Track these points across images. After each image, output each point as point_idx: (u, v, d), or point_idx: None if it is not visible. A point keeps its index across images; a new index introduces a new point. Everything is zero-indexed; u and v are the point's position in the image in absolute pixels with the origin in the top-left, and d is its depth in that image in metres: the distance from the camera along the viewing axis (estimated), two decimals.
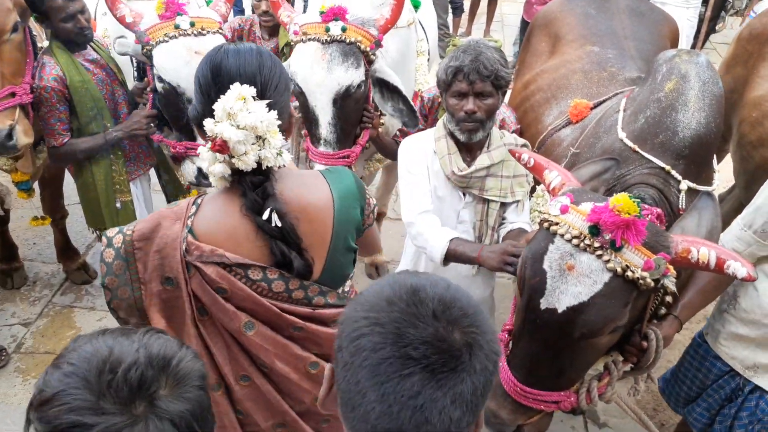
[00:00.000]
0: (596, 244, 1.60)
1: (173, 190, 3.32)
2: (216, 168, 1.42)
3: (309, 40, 2.49)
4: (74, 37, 2.68)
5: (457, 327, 0.91)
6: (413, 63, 3.14)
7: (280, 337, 1.57)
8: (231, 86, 1.38)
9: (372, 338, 0.89)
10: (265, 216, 1.44)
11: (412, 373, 0.86)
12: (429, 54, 3.35)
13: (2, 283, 3.68)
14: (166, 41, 2.52)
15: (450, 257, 2.24)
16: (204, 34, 2.57)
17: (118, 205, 2.91)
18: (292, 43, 2.59)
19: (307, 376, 1.64)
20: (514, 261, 2.02)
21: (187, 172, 2.75)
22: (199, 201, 1.54)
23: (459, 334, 0.90)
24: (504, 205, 2.41)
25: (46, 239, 3.97)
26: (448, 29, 7.33)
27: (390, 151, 2.96)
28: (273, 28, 3.10)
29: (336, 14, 2.47)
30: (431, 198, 2.36)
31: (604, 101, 2.62)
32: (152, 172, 3.29)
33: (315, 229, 1.52)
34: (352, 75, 2.49)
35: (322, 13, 2.49)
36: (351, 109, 2.60)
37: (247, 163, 1.39)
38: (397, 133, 2.95)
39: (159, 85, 2.62)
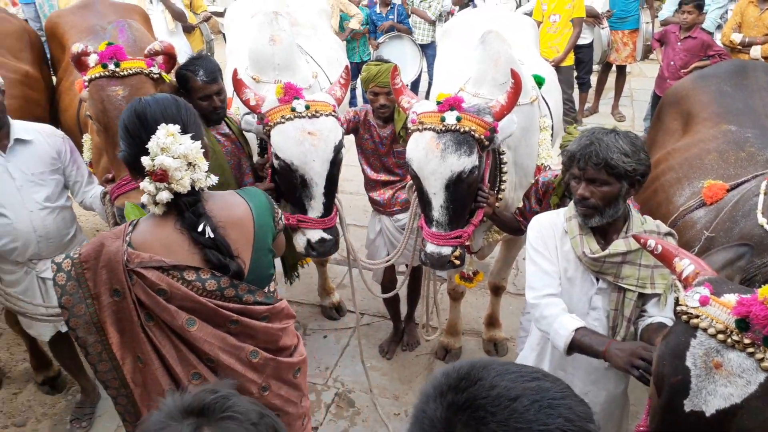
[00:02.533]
0: (746, 341, 1.45)
1: (291, 257, 3.49)
2: (162, 195, 1.68)
3: (425, 129, 2.59)
4: (209, 114, 2.95)
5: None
6: (536, 138, 3.15)
7: (219, 331, 1.76)
8: (158, 127, 1.67)
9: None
10: (199, 229, 1.70)
11: None
12: (553, 129, 3.34)
13: None
14: (283, 122, 2.74)
15: (575, 347, 2.13)
16: (318, 116, 2.76)
17: None
18: (409, 130, 2.70)
19: (250, 365, 1.82)
20: (642, 365, 1.88)
21: (298, 242, 2.92)
22: (135, 223, 1.79)
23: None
24: (643, 296, 2.23)
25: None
26: (573, 104, 7.31)
27: (509, 227, 2.95)
28: (388, 117, 3.33)
29: (451, 104, 2.55)
30: (559, 280, 2.28)
31: (741, 183, 2.48)
32: None
33: (240, 236, 1.79)
34: (464, 162, 2.54)
35: (438, 102, 2.59)
36: (463, 193, 2.64)
37: (184, 186, 1.68)
38: (516, 210, 2.97)
39: (275, 162, 2.83)
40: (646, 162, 2.15)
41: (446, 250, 2.68)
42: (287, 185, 2.87)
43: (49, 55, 4.37)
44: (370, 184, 3.55)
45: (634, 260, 2.18)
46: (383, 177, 3.48)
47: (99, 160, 3.21)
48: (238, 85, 2.88)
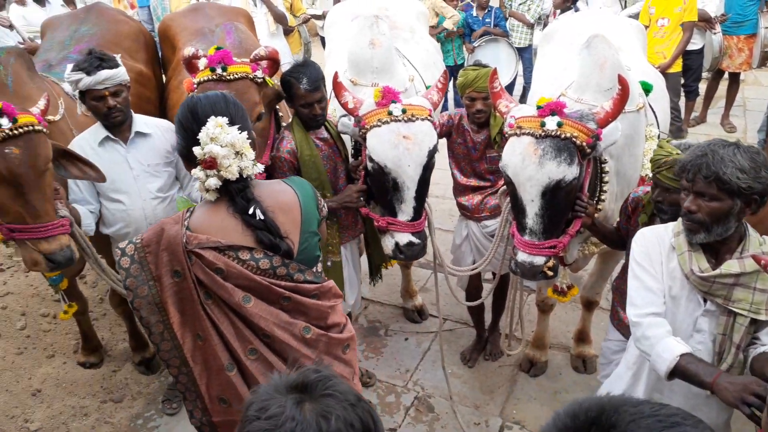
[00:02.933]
0: None
1: (378, 257, 3.53)
2: (211, 181, 1.80)
3: (523, 134, 2.51)
4: (309, 120, 3.00)
5: None
6: (641, 148, 3.00)
7: (273, 308, 1.85)
8: (208, 120, 1.79)
9: None
10: (250, 212, 1.82)
11: None
12: (659, 139, 3.20)
13: None
14: (379, 125, 2.74)
15: (677, 373, 2.00)
16: (414, 120, 2.75)
17: (329, 263, 3.15)
18: (506, 135, 2.62)
19: (303, 341, 1.89)
20: (754, 402, 1.74)
21: (386, 244, 2.91)
22: (191, 210, 1.91)
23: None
24: (756, 323, 2.06)
25: None
26: (679, 113, 6.92)
27: (609, 239, 2.82)
28: (483, 122, 3.25)
29: (553, 109, 2.46)
30: (663, 298, 2.14)
31: None
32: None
33: (288, 220, 1.90)
34: (563, 170, 2.44)
35: (539, 107, 2.49)
36: (560, 201, 2.54)
37: (232, 173, 1.80)
38: (616, 223, 2.84)
39: (369, 165, 2.83)
40: (766, 181, 1.96)
41: (539, 260, 2.58)
42: (379, 188, 2.87)
43: (160, 55, 4.64)
44: (459, 189, 3.50)
45: (749, 283, 2.02)
46: (473, 182, 3.41)
47: None
48: (338, 88, 2.91)
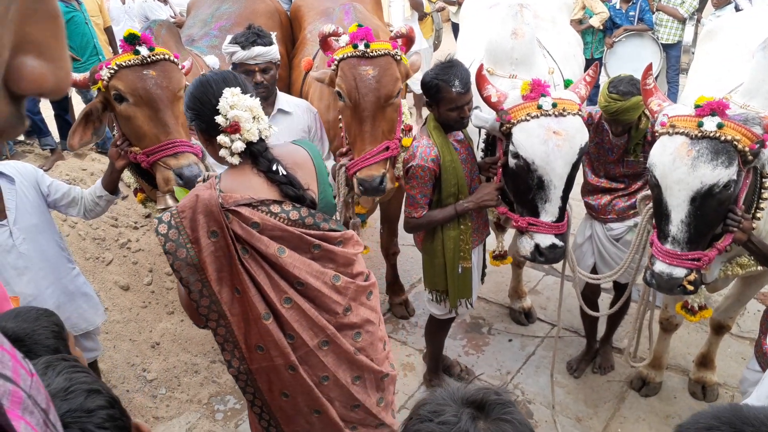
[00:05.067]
0: None
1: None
2: (237, 144, 1.92)
3: (676, 133, 2.31)
4: (454, 123, 2.87)
5: None
6: None
7: (304, 257, 1.97)
8: (223, 92, 1.90)
9: None
10: (273, 169, 1.95)
11: None
12: None
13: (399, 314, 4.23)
14: (528, 120, 2.57)
15: None
16: (564, 115, 2.57)
17: (459, 269, 3.01)
18: (656, 135, 2.43)
19: (334, 288, 2.02)
20: None
21: (523, 246, 2.75)
22: (219, 175, 2.03)
23: None
24: None
25: (380, 271, 4.47)
26: None
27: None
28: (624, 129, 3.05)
29: (714, 109, 2.24)
30: None
31: None
32: None
33: (305, 174, 2.04)
34: (719, 174, 2.23)
35: (697, 106, 2.28)
36: (711, 210, 2.31)
37: (253, 134, 1.92)
38: None
39: (513, 161, 2.67)
40: None
41: (678, 272, 2.36)
42: (522, 186, 2.70)
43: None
44: (588, 188, 3.28)
45: None
46: (604, 183, 3.18)
47: (333, 137, 3.46)
48: (481, 81, 2.76)
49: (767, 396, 2.13)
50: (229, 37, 3.11)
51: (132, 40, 2.66)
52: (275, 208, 1.95)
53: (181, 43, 3.61)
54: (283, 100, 3.19)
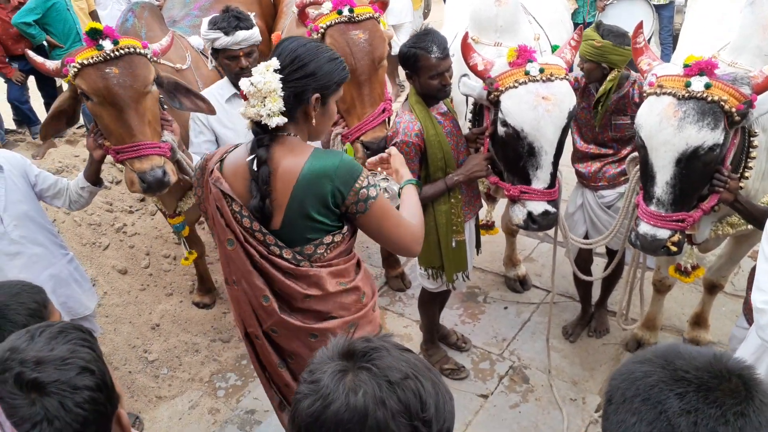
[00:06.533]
0: None
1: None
2: (247, 111, 1.85)
3: (663, 93, 2.28)
4: (436, 93, 2.80)
5: (731, 370, 0.95)
6: None
7: (248, 264, 1.92)
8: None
9: (642, 369, 0.98)
10: (248, 159, 1.86)
11: (684, 392, 0.92)
12: None
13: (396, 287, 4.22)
14: (515, 87, 2.54)
15: None
16: (552, 80, 2.54)
17: (453, 244, 2.99)
18: (644, 95, 2.41)
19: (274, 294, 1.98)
20: None
21: (516, 214, 2.74)
22: (239, 145, 2.01)
23: (736, 378, 0.94)
24: None
25: (376, 245, 4.48)
26: None
27: (759, 221, 2.48)
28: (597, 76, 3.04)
29: (702, 68, 2.20)
30: None
31: None
32: None
33: (280, 187, 1.84)
34: (704, 136, 2.21)
35: (686, 65, 2.24)
36: (696, 171, 2.30)
37: (249, 114, 1.84)
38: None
39: (502, 129, 2.62)
40: None
41: (662, 233, 2.37)
42: (512, 154, 2.67)
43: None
44: (578, 155, 3.26)
45: None
46: (593, 149, 3.16)
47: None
48: (466, 49, 2.70)
49: (753, 352, 2.16)
50: (205, 22, 3.04)
51: (94, 35, 2.55)
52: (236, 206, 1.92)
53: (164, 24, 3.58)
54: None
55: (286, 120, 1.85)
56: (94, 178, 2.86)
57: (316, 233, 1.91)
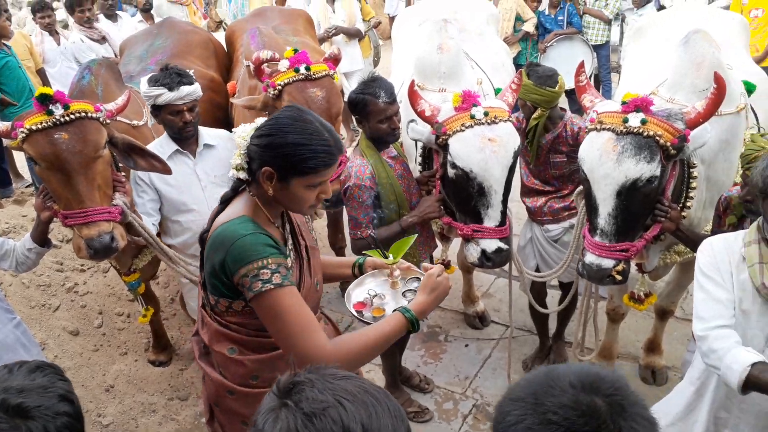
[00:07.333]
0: None
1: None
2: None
3: (603, 129, 2.36)
4: (386, 136, 2.86)
5: (598, 393, 0.92)
6: (738, 153, 2.73)
7: None
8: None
9: (515, 412, 0.96)
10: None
11: None
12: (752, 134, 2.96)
13: None
14: (463, 130, 2.61)
15: (751, 385, 1.81)
16: (497, 122, 2.63)
17: None
18: (586, 130, 2.49)
19: None
20: None
21: (470, 253, 2.77)
22: None
23: (601, 399, 0.91)
24: None
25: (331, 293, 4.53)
26: None
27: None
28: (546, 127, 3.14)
29: (638, 105, 2.30)
30: (733, 311, 1.96)
31: None
32: None
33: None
34: (642, 169, 2.29)
35: (624, 103, 2.33)
36: (637, 203, 2.38)
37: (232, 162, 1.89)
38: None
39: (452, 171, 2.68)
40: None
41: (607, 263, 2.42)
42: (463, 195, 2.72)
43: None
44: (524, 190, 3.34)
45: None
46: (538, 185, 3.25)
47: None
48: (413, 96, 2.76)
49: (698, 377, 2.21)
50: (144, 81, 3.02)
51: (44, 100, 2.49)
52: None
53: (122, 80, 3.57)
54: (206, 134, 3.14)
55: (247, 177, 1.84)
56: (41, 239, 2.76)
57: (214, 289, 1.87)
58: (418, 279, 2.03)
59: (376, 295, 2.04)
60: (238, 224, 1.80)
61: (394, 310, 1.85)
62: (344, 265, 2.26)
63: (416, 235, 2.44)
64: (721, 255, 2.02)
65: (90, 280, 4.53)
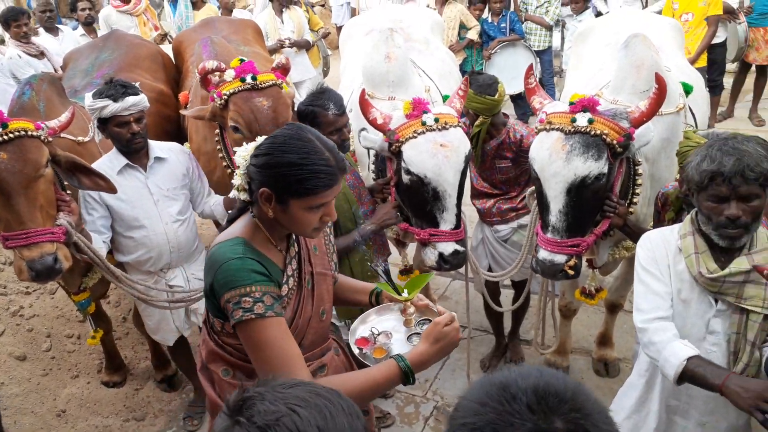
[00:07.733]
0: None
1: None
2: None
3: (552, 129, 2.42)
4: (338, 148, 2.97)
5: (557, 416, 0.87)
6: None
7: None
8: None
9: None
10: None
11: None
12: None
13: None
14: (415, 137, 2.64)
15: (686, 378, 1.90)
16: (447, 128, 2.67)
17: None
18: (536, 130, 2.56)
19: None
20: None
21: (428, 257, 2.79)
22: None
23: (561, 422, 0.86)
24: None
25: None
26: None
27: None
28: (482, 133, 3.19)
29: (585, 105, 2.37)
30: (671, 302, 2.05)
31: None
32: None
33: None
34: (590, 167, 2.36)
35: (571, 103, 2.40)
36: (586, 199, 2.44)
37: (233, 184, 1.83)
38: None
39: (406, 177, 2.71)
40: None
41: (560, 258, 2.48)
42: (418, 200, 2.75)
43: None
44: (474, 193, 3.40)
45: (760, 279, 1.90)
46: (487, 188, 3.33)
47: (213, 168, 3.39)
48: (365, 104, 2.78)
49: (646, 369, 2.29)
50: (88, 95, 2.93)
51: None
52: None
53: (65, 95, 3.43)
54: (156, 147, 3.06)
55: (248, 198, 1.78)
56: None
57: (211, 308, 1.82)
58: (430, 321, 1.86)
59: (380, 333, 1.93)
60: (228, 246, 1.73)
61: (391, 357, 1.72)
62: (362, 292, 2.17)
63: (432, 274, 2.47)
64: (658, 248, 2.10)
65: (36, 303, 4.36)
